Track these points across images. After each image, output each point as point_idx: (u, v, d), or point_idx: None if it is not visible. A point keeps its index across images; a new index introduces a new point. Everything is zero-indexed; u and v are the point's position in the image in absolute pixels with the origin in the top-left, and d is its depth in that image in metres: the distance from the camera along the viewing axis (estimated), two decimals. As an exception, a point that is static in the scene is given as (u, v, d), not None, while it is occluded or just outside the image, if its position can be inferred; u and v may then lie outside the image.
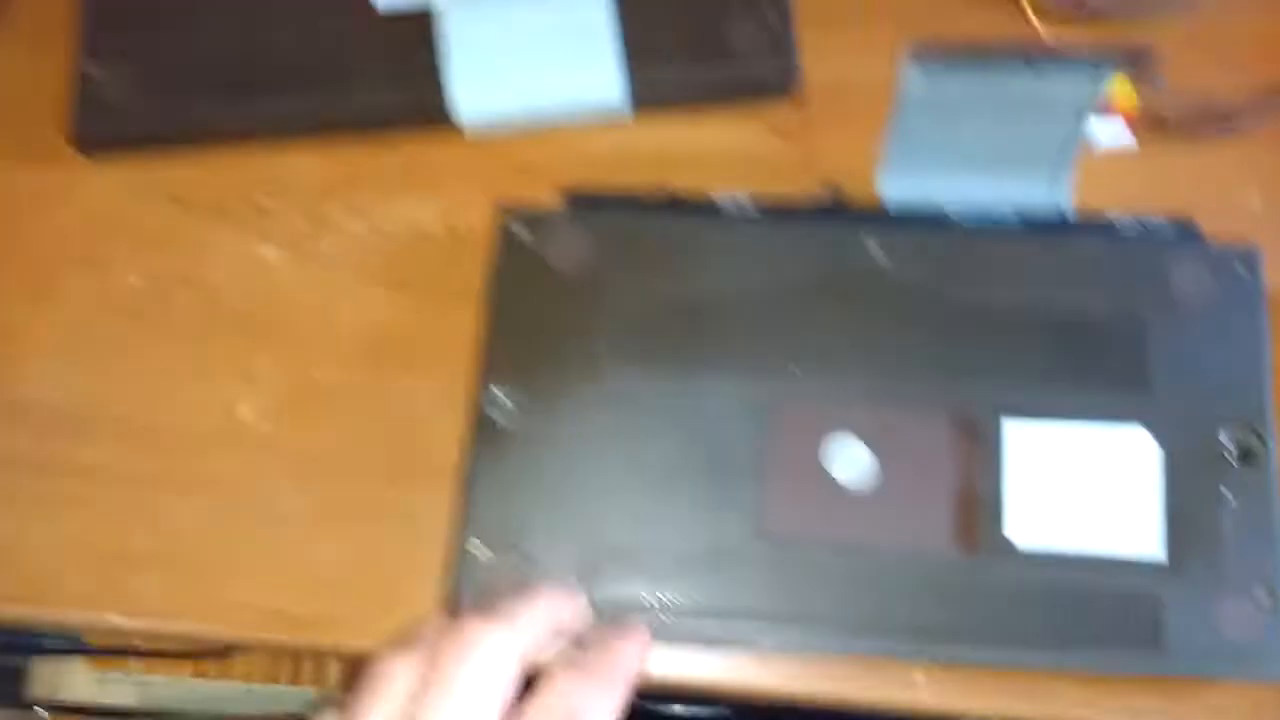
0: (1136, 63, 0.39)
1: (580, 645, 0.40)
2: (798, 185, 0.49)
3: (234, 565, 0.45)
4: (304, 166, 0.50)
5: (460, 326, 0.47)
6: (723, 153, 0.50)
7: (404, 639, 0.36)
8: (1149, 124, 0.49)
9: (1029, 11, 0.50)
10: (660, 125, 0.50)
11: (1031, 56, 0.39)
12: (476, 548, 0.41)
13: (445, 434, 0.45)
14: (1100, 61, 0.39)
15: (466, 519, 0.42)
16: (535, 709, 0.35)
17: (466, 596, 0.41)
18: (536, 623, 0.37)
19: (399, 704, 0.34)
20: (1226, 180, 0.49)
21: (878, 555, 0.41)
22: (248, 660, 0.78)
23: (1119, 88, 0.48)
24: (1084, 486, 0.41)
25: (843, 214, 0.46)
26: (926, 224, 0.45)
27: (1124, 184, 0.49)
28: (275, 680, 0.79)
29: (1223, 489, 0.41)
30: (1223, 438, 0.41)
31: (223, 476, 0.46)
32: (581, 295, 0.44)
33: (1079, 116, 0.42)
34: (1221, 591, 0.40)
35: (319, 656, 0.77)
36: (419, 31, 0.49)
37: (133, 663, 0.78)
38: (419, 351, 0.47)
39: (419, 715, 0.33)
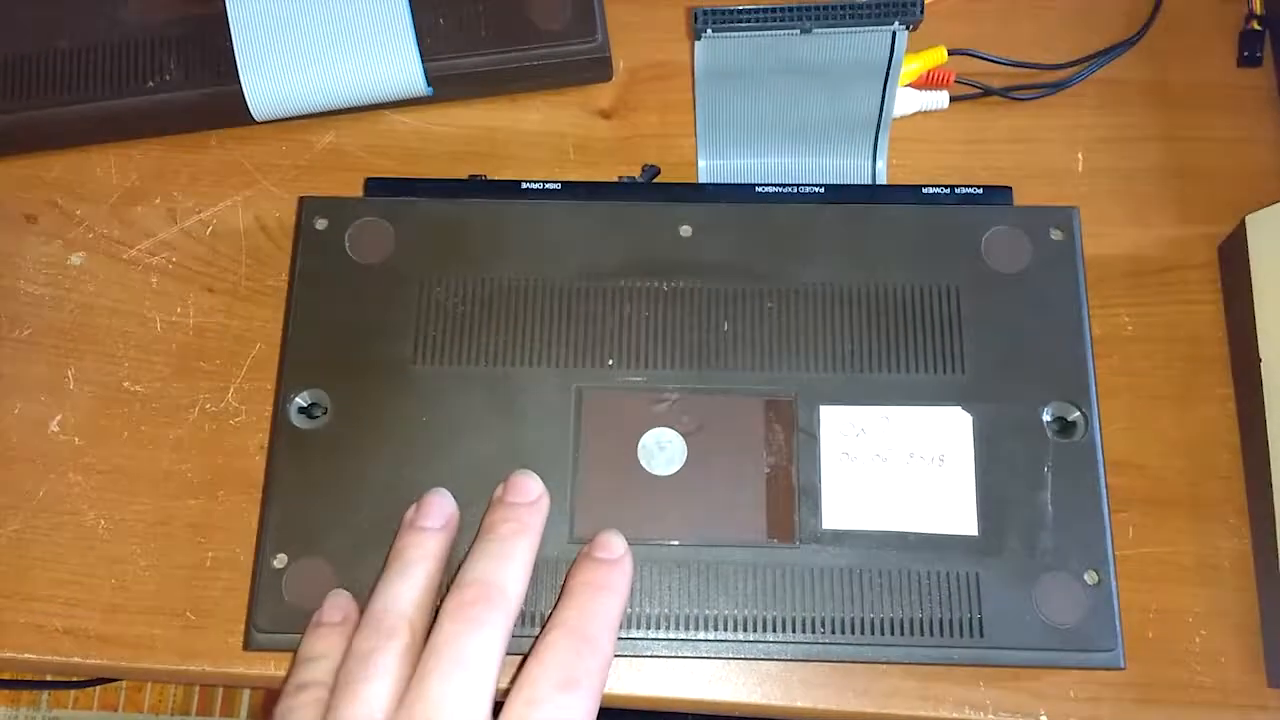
0: (906, 14, 0.34)
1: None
2: (620, 167, 0.44)
3: (44, 587, 0.39)
4: (109, 170, 0.44)
5: (270, 327, 0.41)
6: (540, 135, 0.44)
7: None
8: (968, 89, 0.43)
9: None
10: (471, 109, 0.44)
11: (811, 13, 0.34)
12: (278, 560, 0.36)
13: (259, 441, 0.40)
14: (879, 13, 0.33)
15: (267, 531, 0.36)
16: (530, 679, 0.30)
17: (263, 614, 0.35)
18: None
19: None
20: (1050, 143, 0.43)
21: (696, 551, 0.35)
22: (160, 690, 0.72)
23: (933, 53, 0.42)
24: (903, 470, 0.36)
25: (654, 195, 0.40)
26: (736, 202, 0.39)
27: (943, 151, 0.43)
28: (187, 712, 0.73)
29: (1043, 465, 0.36)
30: (1042, 411, 0.36)
31: (33, 495, 0.40)
32: (386, 287, 0.38)
33: (881, 79, 0.37)
34: (1043, 571, 0.34)
35: (230, 686, 0.71)
36: (212, 14, 0.42)
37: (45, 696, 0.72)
38: (231, 355, 0.41)
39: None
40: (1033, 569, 0.35)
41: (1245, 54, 0.44)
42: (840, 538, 0.35)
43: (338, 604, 0.34)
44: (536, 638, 0.32)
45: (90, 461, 0.40)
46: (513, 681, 0.30)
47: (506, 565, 0.32)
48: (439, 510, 0.34)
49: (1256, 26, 0.44)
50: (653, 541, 0.35)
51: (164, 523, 0.39)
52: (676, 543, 0.35)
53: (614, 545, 0.34)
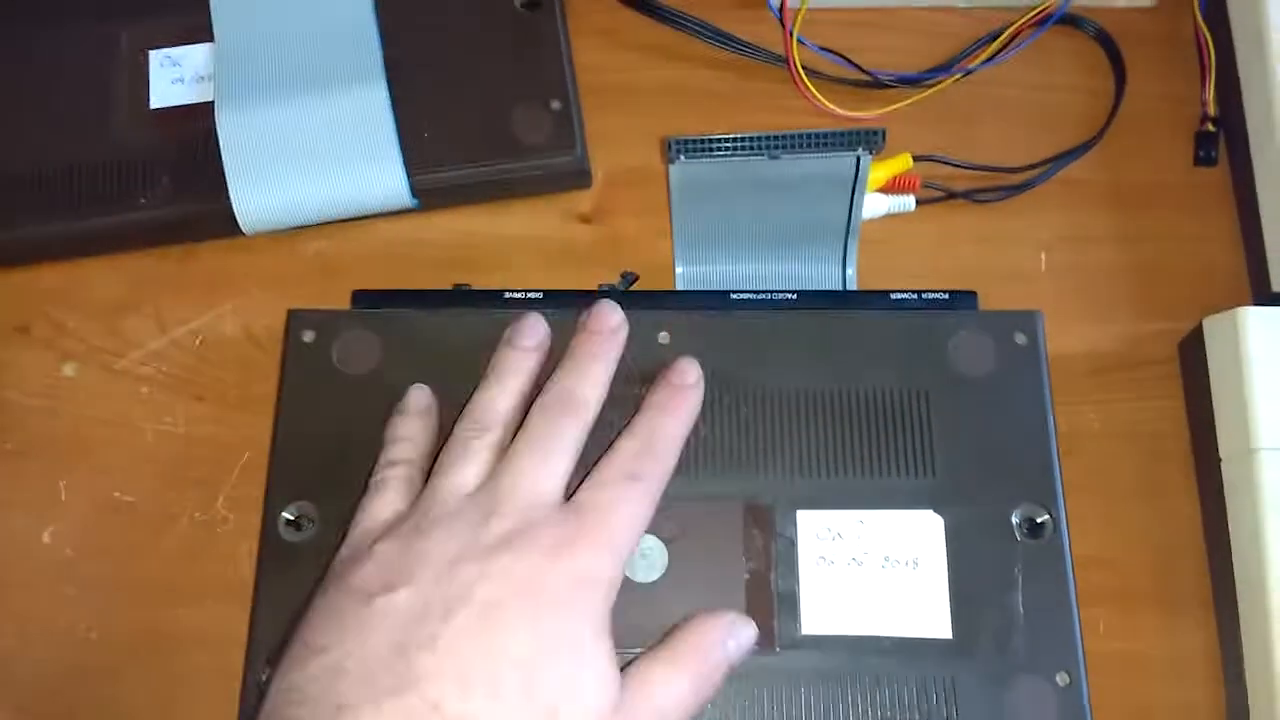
0: (870, 144, 0.35)
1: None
2: (600, 271, 0.45)
3: (38, 700, 0.39)
4: (101, 281, 0.45)
5: (260, 435, 0.42)
6: (523, 241, 0.45)
7: None
8: (934, 193, 0.45)
9: (812, 90, 0.46)
10: (456, 216, 0.46)
11: (778, 142, 0.35)
12: (267, 672, 0.36)
13: (248, 547, 0.40)
14: (844, 143, 0.35)
15: (255, 644, 0.36)
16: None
17: (253, 728, 0.36)
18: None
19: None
20: (1013, 243, 0.45)
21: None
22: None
23: (899, 160, 0.44)
24: (878, 573, 0.37)
25: (632, 303, 0.42)
26: (711, 309, 0.40)
27: (911, 252, 0.45)
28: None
29: (1014, 566, 0.37)
30: (1011, 514, 0.37)
31: (28, 609, 0.40)
32: (371, 398, 0.39)
33: (847, 194, 0.39)
34: (1015, 673, 0.35)
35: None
36: (201, 132, 0.43)
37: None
38: (220, 463, 0.42)
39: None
40: (1006, 671, 0.35)
41: (1201, 154, 0.46)
42: (819, 643, 0.36)
43: (421, 395, 0.39)
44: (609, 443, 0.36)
45: (83, 574, 0.41)
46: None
47: (584, 380, 0.37)
48: (533, 331, 0.38)
49: (1211, 128, 0.46)
50: (635, 650, 0.36)
51: (154, 633, 0.40)
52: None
53: (689, 373, 0.38)
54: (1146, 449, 0.42)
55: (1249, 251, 0.44)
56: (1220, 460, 0.39)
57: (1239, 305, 0.39)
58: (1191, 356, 0.41)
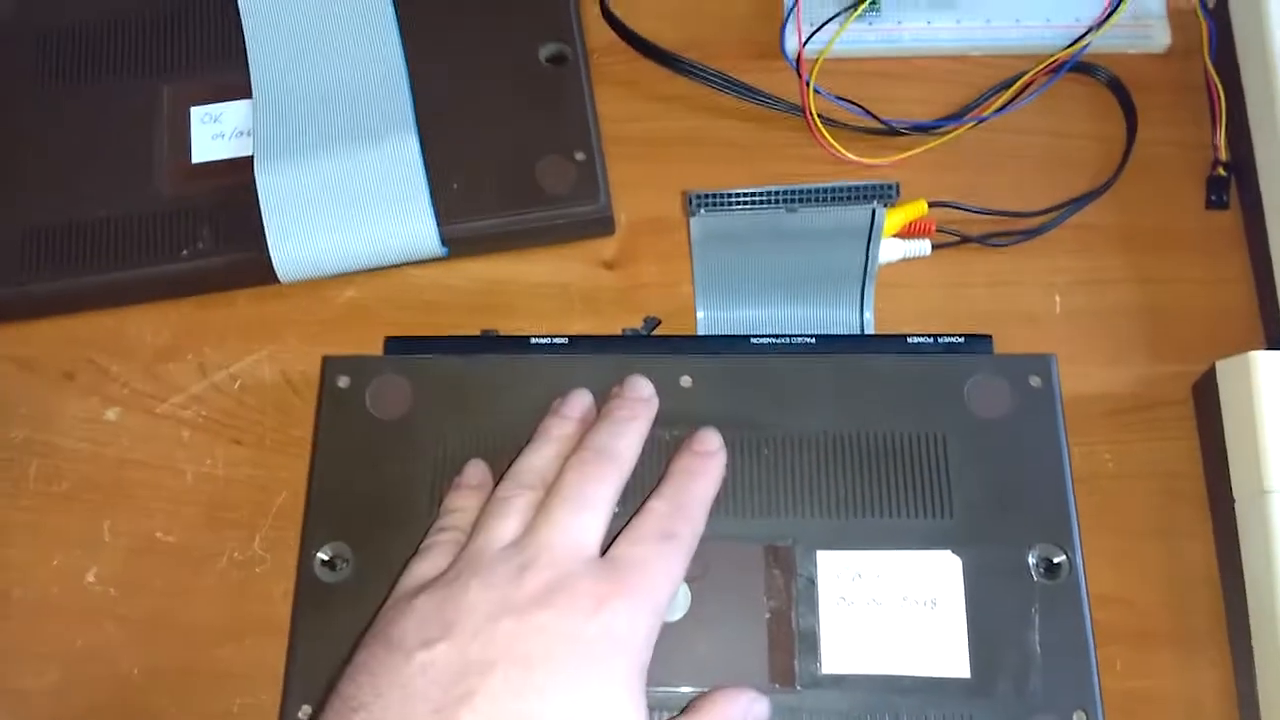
0: (884, 197, 0.37)
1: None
2: (624, 317, 0.46)
3: (80, 734, 0.41)
4: (144, 328, 0.46)
5: (297, 477, 0.43)
6: (549, 287, 0.47)
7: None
8: (949, 237, 0.46)
9: (828, 139, 0.47)
10: (484, 264, 0.47)
11: (795, 196, 0.37)
12: (303, 711, 0.37)
13: (284, 587, 0.42)
14: (859, 196, 0.36)
15: (291, 682, 0.38)
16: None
17: (292, 764, 0.37)
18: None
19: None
20: (1028, 287, 0.46)
21: (699, 694, 0.37)
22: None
23: (914, 207, 0.45)
24: (897, 612, 0.37)
25: (655, 348, 0.43)
26: (732, 354, 0.42)
27: (927, 296, 0.46)
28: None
29: (1030, 606, 0.37)
30: (1028, 554, 0.38)
31: (72, 645, 0.42)
32: (403, 442, 0.41)
33: (864, 243, 0.40)
34: (1034, 712, 0.36)
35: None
36: (240, 185, 0.45)
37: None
38: (258, 505, 0.43)
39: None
40: (1024, 710, 0.36)
41: (1213, 198, 0.47)
42: (839, 682, 0.37)
43: (478, 470, 0.40)
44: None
45: (124, 612, 0.42)
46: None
47: (619, 438, 0.38)
48: (579, 405, 0.40)
49: (1222, 172, 0.47)
50: (660, 688, 0.37)
51: (194, 671, 0.41)
52: (683, 689, 0.37)
53: (710, 441, 0.39)
54: (1162, 489, 0.42)
55: (1261, 294, 0.45)
56: (1234, 501, 0.40)
57: (1252, 347, 0.40)
58: (1205, 398, 0.42)
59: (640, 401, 0.39)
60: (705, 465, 0.38)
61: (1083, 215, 0.47)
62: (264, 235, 0.45)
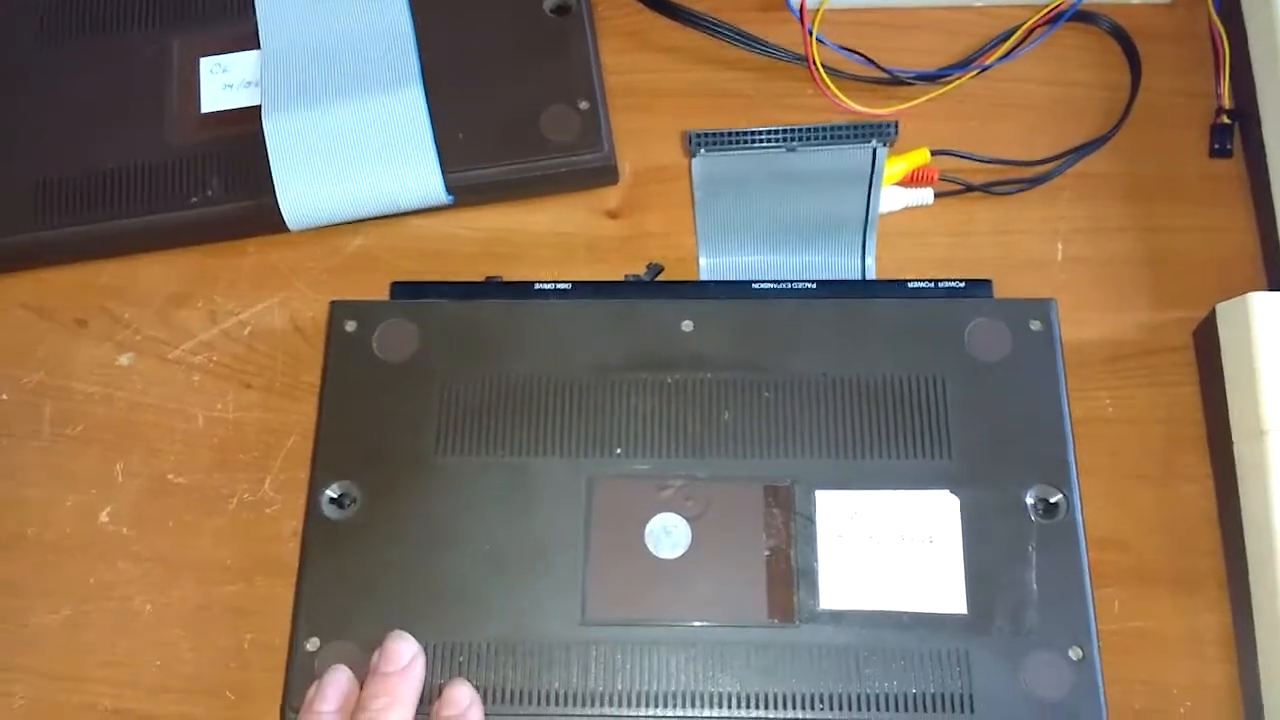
0: (883, 136, 0.36)
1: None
2: (628, 263, 0.46)
3: (94, 669, 0.41)
4: (156, 276, 0.46)
5: (306, 420, 0.43)
6: (553, 235, 0.46)
7: None
8: (952, 186, 0.45)
9: (832, 88, 0.47)
10: (489, 212, 0.47)
11: (795, 135, 0.36)
12: (311, 644, 0.38)
13: (293, 527, 0.42)
14: (858, 135, 0.36)
15: (300, 616, 0.38)
16: None
17: (297, 695, 0.37)
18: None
19: None
20: (1030, 235, 0.45)
21: (701, 631, 0.37)
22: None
23: (917, 154, 0.44)
24: (895, 549, 0.37)
25: (658, 293, 0.43)
26: (734, 298, 0.41)
27: (929, 244, 0.45)
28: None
29: (1028, 545, 0.37)
30: (1026, 494, 0.37)
31: (86, 582, 0.42)
32: (410, 384, 0.41)
33: (865, 186, 0.39)
34: (1030, 648, 0.35)
35: None
36: (248, 134, 0.45)
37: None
38: (268, 448, 0.43)
39: None
40: (1020, 646, 0.36)
41: (1216, 146, 0.46)
42: (837, 617, 0.37)
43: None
44: None
45: (137, 550, 0.42)
46: None
47: None
48: (334, 695, 0.36)
49: (1226, 120, 0.46)
50: (660, 623, 0.37)
51: (205, 607, 0.41)
52: (683, 624, 0.37)
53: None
54: (1162, 434, 0.42)
55: (1264, 240, 0.44)
56: (1233, 443, 0.39)
57: (1254, 291, 0.39)
58: (1205, 342, 0.41)
59: (399, 676, 0.36)
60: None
61: (1085, 164, 0.46)
62: (272, 183, 0.44)
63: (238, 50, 0.47)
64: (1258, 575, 0.37)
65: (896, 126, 0.36)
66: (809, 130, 0.36)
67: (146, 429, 0.44)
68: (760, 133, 0.37)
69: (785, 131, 0.36)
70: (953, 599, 0.36)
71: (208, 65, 0.47)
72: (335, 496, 0.39)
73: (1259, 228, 0.44)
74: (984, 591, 0.36)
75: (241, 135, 0.45)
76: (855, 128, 0.36)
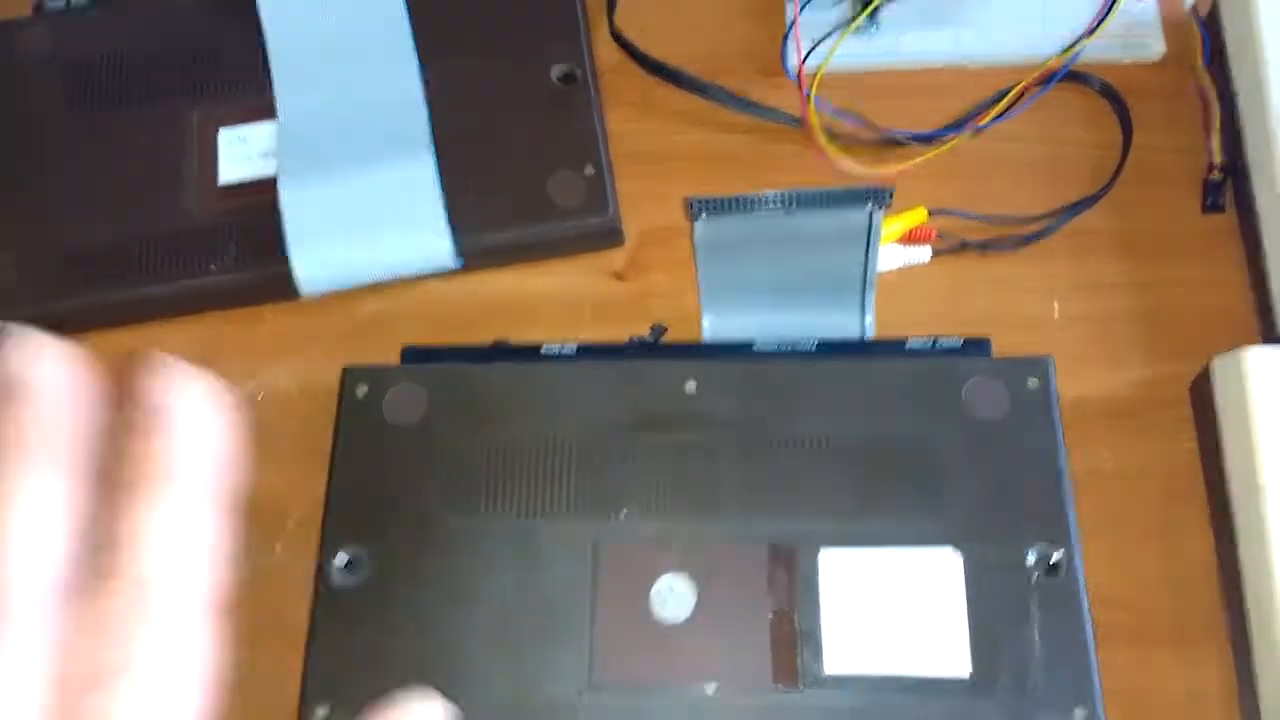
0: (879, 200, 0.37)
1: None
2: (632, 325, 0.46)
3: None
4: (172, 342, 0.47)
5: (317, 485, 0.43)
6: (560, 297, 0.47)
7: None
8: (949, 243, 0.46)
9: (829, 150, 0.47)
10: (498, 275, 0.47)
11: (794, 200, 0.37)
12: (321, 710, 0.38)
13: (304, 594, 0.42)
14: (855, 199, 0.36)
15: (309, 682, 0.38)
16: None
17: (310, 760, 0.37)
18: None
19: None
20: (1027, 292, 0.45)
21: (706, 695, 0.37)
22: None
23: (914, 213, 0.45)
24: (898, 610, 0.37)
25: (662, 354, 0.43)
26: (736, 359, 0.42)
27: (927, 301, 0.45)
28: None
29: (1030, 604, 0.37)
30: (1027, 552, 0.37)
31: (103, 643, 0.43)
32: (419, 448, 0.41)
33: (862, 247, 0.40)
34: (1035, 709, 0.35)
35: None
36: (265, 204, 0.46)
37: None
38: (278, 513, 0.44)
39: None
40: (1025, 708, 0.36)
41: (1208, 201, 0.46)
42: (841, 682, 0.36)
43: None
44: None
45: (154, 613, 0.42)
46: None
47: None
48: None
49: (1218, 175, 0.47)
50: (666, 687, 0.37)
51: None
52: (688, 688, 0.37)
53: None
54: (1162, 489, 0.42)
55: (1257, 294, 0.44)
56: (1231, 498, 0.39)
57: (1250, 345, 0.39)
58: (1202, 397, 0.42)
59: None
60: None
61: (1080, 220, 0.46)
62: (287, 251, 0.45)
63: (256, 121, 0.48)
64: (1259, 631, 0.37)
65: (891, 192, 0.37)
66: (806, 195, 0.37)
67: (163, 492, 0.45)
68: (759, 198, 0.37)
69: (783, 196, 0.37)
70: (957, 661, 0.36)
71: (226, 137, 0.48)
72: (345, 562, 0.39)
73: (1251, 281, 0.45)
74: (988, 652, 0.36)
75: (258, 204, 0.46)
76: (852, 192, 0.37)
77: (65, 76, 0.50)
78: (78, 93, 0.50)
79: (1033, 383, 0.40)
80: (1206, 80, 0.47)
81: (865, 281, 0.42)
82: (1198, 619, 0.40)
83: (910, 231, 0.45)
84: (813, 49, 0.48)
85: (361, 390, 0.42)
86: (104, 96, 0.50)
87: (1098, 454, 0.42)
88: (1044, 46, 0.49)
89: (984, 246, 0.46)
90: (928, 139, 0.48)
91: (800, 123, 0.48)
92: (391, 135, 0.47)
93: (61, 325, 0.46)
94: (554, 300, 0.47)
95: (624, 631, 0.38)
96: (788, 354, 0.42)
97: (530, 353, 0.43)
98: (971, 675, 0.36)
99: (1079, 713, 0.35)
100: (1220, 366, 0.40)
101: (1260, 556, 0.37)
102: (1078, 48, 0.48)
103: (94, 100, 0.49)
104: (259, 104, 0.49)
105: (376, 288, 0.47)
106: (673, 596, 0.38)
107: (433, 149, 0.47)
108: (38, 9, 0.52)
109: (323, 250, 0.45)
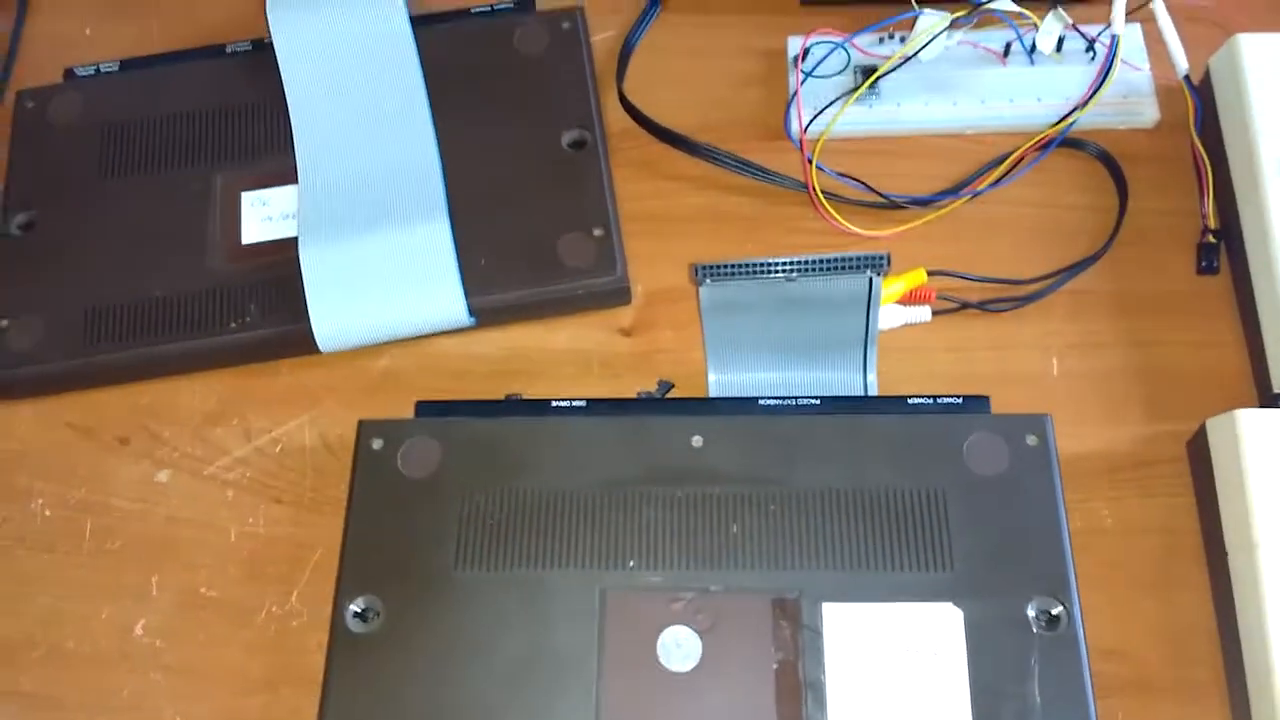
0: (877, 267, 0.39)
1: None
2: (639, 380, 0.48)
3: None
4: (194, 396, 0.49)
5: (333, 535, 0.45)
6: (569, 354, 0.49)
7: None
8: (949, 304, 0.48)
9: (831, 212, 0.49)
10: (510, 332, 0.49)
11: (794, 266, 0.39)
12: (334, 754, 0.39)
13: (318, 639, 0.43)
14: (854, 265, 0.38)
15: (323, 730, 0.40)
16: None
17: (321, 808, 0.38)
18: None
19: None
20: (1025, 350, 0.47)
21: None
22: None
23: (914, 274, 0.47)
24: (900, 663, 0.38)
25: (668, 410, 0.45)
26: (741, 414, 0.43)
27: (928, 360, 0.47)
28: None
29: (1030, 657, 0.38)
30: (1027, 606, 0.39)
31: (120, 694, 0.44)
32: (432, 500, 0.43)
33: (863, 310, 0.42)
34: (1033, 759, 0.37)
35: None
36: (285, 264, 0.48)
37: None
38: (295, 561, 0.45)
39: None
40: (1025, 760, 0.37)
41: (1203, 264, 0.48)
42: (844, 731, 0.38)
43: None
44: None
45: (169, 662, 0.44)
46: None
47: None
48: None
49: (1212, 239, 0.48)
50: (672, 736, 0.38)
51: (232, 718, 0.43)
52: (694, 736, 0.38)
53: None
54: (1160, 544, 0.43)
55: (1252, 354, 0.46)
56: (1227, 554, 0.40)
57: (1244, 406, 0.41)
58: (1198, 455, 0.43)
59: None
60: None
61: (1077, 281, 0.48)
62: (306, 309, 0.47)
63: (277, 185, 0.51)
64: (1256, 685, 0.38)
65: (889, 258, 0.39)
66: (807, 261, 0.39)
67: (181, 543, 0.46)
68: (761, 264, 0.39)
69: (785, 263, 0.39)
70: (958, 713, 0.37)
71: (249, 199, 0.51)
72: (359, 610, 0.41)
73: (1246, 342, 0.46)
74: (988, 705, 0.37)
75: (278, 264, 0.48)
76: (850, 259, 0.39)
77: (94, 140, 0.53)
78: (105, 156, 0.52)
79: (1032, 439, 0.41)
80: (1200, 146, 0.49)
81: (867, 341, 0.44)
82: (1196, 671, 0.41)
83: (911, 292, 0.47)
84: (816, 116, 0.51)
85: (377, 443, 0.44)
86: (130, 160, 0.52)
87: (1097, 509, 0.44)
88: (1041, 114, 0.51)
89: (983, 306, 0.48)
90: (927, 202, 0.50)
91: (803, 186, 0.50)
92: (408, 198, 0.50)
93: (85, 381, 0.49)
94: (564, 357, 0.49)
95: (631, 681, 0.39)
96: (791, 410, 0.43)
97: (540, 407, 0.45)
98: (974, 729, 0.37)
99: (1079, 766, 0.36)
100: (1215, 428, 0.42)
101: (1256, 611, 0.38)
102: (1074, 116, 0.50)
103: (121, 164, 0.52)
104: (280, 168, 0.51)
105: (392, 344, 0.49)
106: (678, 647, 0.39)
107: (447, 212, 0.49)
108: (68, 75, 0.55)
109: (341, 308, 0.48)
